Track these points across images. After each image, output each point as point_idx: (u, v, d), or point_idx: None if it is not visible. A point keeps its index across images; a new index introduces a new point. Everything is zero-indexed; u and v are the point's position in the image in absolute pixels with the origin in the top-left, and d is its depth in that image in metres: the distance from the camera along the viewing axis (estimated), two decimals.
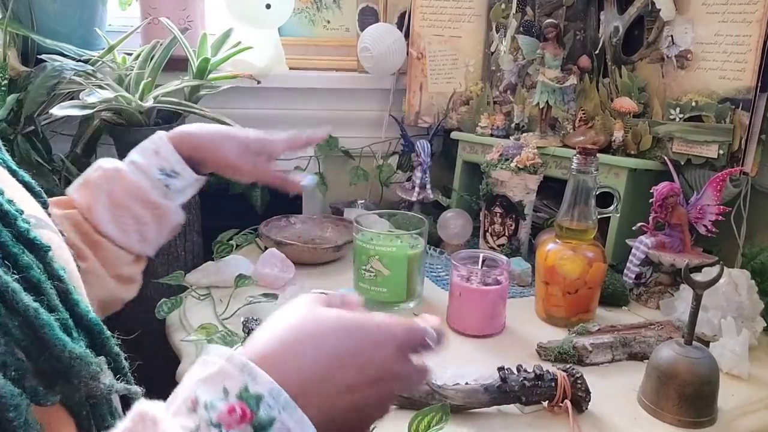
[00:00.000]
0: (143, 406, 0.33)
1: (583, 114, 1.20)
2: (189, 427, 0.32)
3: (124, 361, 0.42)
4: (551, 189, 1.18)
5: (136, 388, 0.41)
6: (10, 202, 0.40)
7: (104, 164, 0.70)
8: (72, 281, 0.41)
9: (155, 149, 0.71)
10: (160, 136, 0.72)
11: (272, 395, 0.34)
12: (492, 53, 1.30)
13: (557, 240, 0.94)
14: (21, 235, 0.38)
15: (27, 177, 0.50)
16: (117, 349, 0.41)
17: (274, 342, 0.38)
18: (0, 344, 0.33)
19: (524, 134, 1.21)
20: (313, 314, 0.40)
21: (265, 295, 0.95)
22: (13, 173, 0.48)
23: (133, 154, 0.71)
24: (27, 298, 0.35)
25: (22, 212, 0.39)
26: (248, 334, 0.85)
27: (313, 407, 0.35)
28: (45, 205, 0.51)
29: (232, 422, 0.33)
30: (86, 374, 0.36)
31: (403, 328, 0.41)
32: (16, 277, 0.35)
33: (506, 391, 0.71)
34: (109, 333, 0.41)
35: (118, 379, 0.41)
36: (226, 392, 0.34)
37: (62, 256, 0.44)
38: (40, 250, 0.38)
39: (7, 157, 0.49)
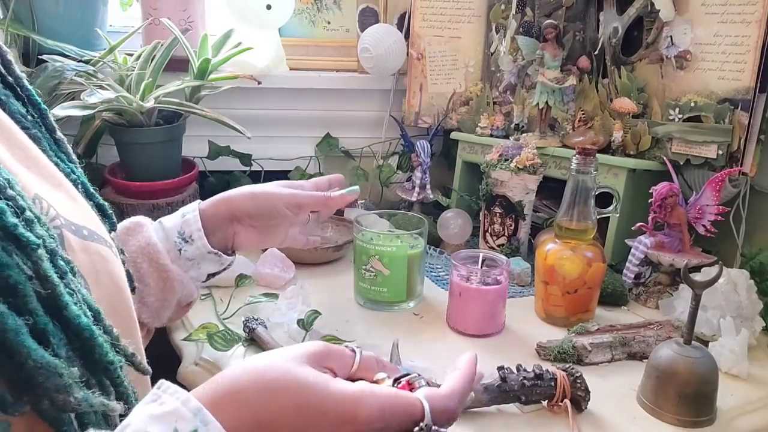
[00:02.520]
0: None
1: (583, 114, 1.20)
2: None
3: (119, 371, 0.39)
4: (551, 189, 1.18)
5: (115, 405, 0.38)
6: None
7: (135, 218, 0.68)
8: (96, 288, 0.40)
9: (184, 212, 0.68)
10: (196, 202, 0.70)
11: None
12: (492, 54, 1.31)
13: (557, 240, 0.94)
14: (6, 230, 0.35)
15: (101, 200, 0.51)
16: (111, 357, 0.38)
17: (233, 392, 0.38)
18: None
19: (524, 134, 1.21)
20: (284, 370, 0.39)
21: (265, 294, 0.95)
22: (89, 196, 0.49)
23: (167, 216, 0.69)
24: None
25: (23, 210, 0.36)
26: (249, 333, 0.86)
27: None
28: (113, 228, 0.51)
29: None
30: (51, 386, 0.34)
31: (379, 408, 0.39)
32: None
33: (506, 390, 0.72)
34: (102, 339, 0.38)
35: (115, 388, 0.39)
36: None
37: (110, 270, 0.44)
38: (26, 248, 0.35)
39: (86, 180, 0.50)
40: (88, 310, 0.38)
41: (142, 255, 0.65)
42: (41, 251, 0.36)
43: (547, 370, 0.73)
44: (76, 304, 0.37)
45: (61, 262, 0.38)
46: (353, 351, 0.43)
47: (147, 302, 0.65)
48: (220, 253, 0.69)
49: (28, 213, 0.36)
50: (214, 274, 0.72)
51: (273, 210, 0.72)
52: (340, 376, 0.42)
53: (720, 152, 1.04)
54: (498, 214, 1.14)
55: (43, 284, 0.35)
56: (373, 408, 0.39)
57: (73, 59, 1.14)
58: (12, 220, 0.35)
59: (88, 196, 0.49)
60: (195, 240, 0.67)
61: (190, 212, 0.68)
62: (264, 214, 0.72)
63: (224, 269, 0.73)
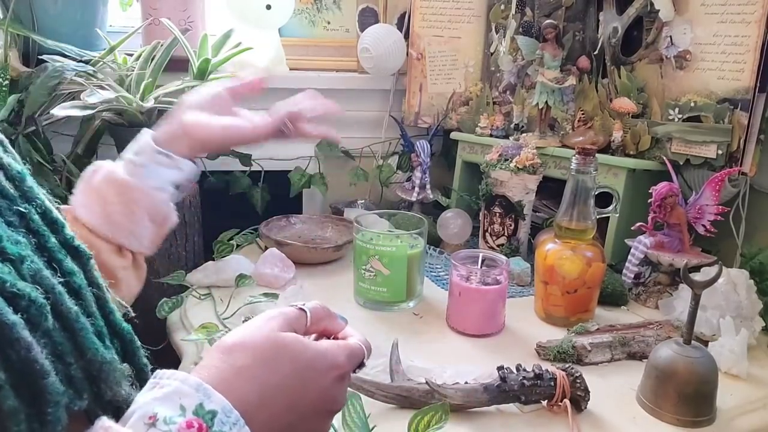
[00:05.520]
0: (107, 421, 0.35)
1: (582, 114, 1.20)
2: None
3: (149, 372, 0.43)
4: (550, 189, 1.18)
5: None
6: (58, 209, 0.41)
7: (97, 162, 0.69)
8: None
9: (137, 138, 0.70)
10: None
11: (224, 412, 0.37)
12: (491, 54, 1.31)
13: (556, 240, 0.94)
14: (66, 242, 0.39)
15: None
16: (145, 360, 0.43)
17: (237, 370, 0.41)
18: (46, 346, 0.34)
19: (523, 134, 1.21)
20: (273, 340, 0.43)
21: (265, 294, 0.95)
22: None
23: None
24: (69, 302, 0.36)
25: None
26: None
27: (258, 424, 0.39)
28: None
29: None
30: (113, 379, 0.38)
31: (346, 355, 0.46)
32: (61, 280, 0.37)
33: (505, 390, 0.72)
34: (139, 343, 0.42)
35: (141, 386, 0.41)
36: (183, 409, 0.37)
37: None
38: (82, 257, 0.40)
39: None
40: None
41: (104, 182, 0.65)
42: (93, 261, 0.41)
43: (547, 370, 0.73)
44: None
45: (97, 273, 0.41)
46: (302, 309, 0.47)
47: (116, 221, 0.65)
48: (170, 153, 0.68)
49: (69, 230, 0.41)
50: (179, 187, 0.70)
51: (223, 147, 0.76)
52: (301, 334, 0.46)
53: (719, 152, 1.04)
54: (498, 214, 1.15)
55: (94, 290, 0.40)
56: (344, 355, 0.46)
57: (73, 59, 1.14)
58: (71, 232, 0.40)
59: None
60: (144, 149, 0.68)
61: (143, 135, 0.69)
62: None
63: (188, 178, 0.71)
